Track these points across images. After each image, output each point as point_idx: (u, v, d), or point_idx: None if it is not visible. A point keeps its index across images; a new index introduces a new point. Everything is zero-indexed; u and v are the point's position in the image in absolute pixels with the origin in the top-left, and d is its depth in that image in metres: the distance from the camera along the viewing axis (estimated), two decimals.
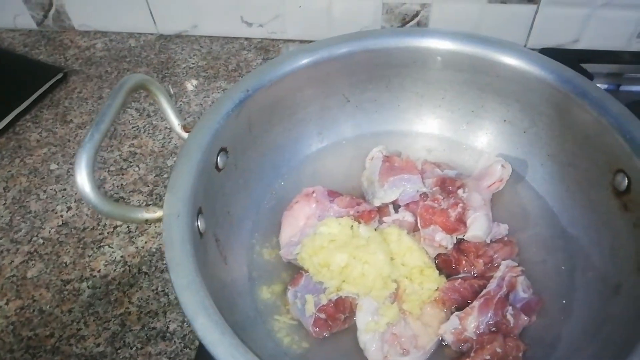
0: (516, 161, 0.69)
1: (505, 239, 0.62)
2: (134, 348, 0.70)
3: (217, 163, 0.60)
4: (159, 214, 0.52)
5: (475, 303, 0.56)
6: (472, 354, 0.53)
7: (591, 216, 0.62)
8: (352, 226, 0.61)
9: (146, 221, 0.52)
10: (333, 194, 0.65)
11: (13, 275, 0.75)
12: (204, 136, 0.58)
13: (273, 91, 0.66)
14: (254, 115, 0.65)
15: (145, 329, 0.72)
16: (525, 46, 0.90)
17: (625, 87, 0.90)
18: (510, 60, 0.64)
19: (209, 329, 0.44)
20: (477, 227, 0.59)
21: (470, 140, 0.73)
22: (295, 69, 0.66)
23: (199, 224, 0.54)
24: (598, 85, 0.84)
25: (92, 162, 0.48)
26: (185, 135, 0.59)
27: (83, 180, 0.48)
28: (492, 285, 0.57)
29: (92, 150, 0.49)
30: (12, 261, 0.77)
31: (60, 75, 1.04)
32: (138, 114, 0.99)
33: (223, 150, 0.61)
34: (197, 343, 0.67)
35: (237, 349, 0.43)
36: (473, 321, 0.55)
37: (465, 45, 0.65)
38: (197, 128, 0.59)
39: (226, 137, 0.61)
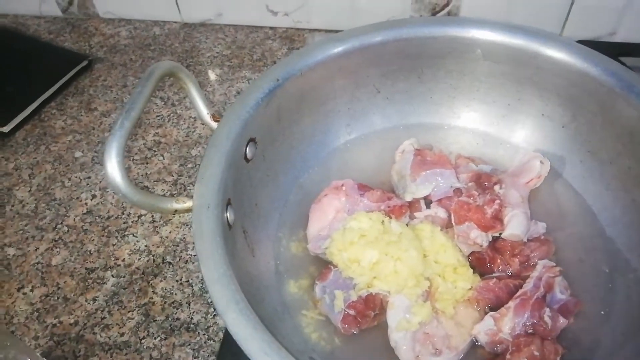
0: (554, 157, 0.67)
1: (542, 237, 0.60)
2: (158, 338, 0.69)
3: (245, 154, 0.59)
4: (188, 204, 0.51)
5: (511, 303, 0.54)
6: (508, 356, 0.51)
7: (633, 215, 0.59)
8: (383, 221, 0.59)
9: (175, 211, 0.51)
10: (363, 188, 0.63)
11: (38, 262, 0.75)
12: (233, 126, 0.56)
13: (303, 81, 0.64)
14: (283, 105, 0.64)
15: (169, 319, 0.71)
16: (563, 37, 0.86)
17: None
18: (553, 52, 0.61)
19: (240, 324, 0.43)
20: (516, 226, 0.57)
21: (505, 135, 0.71)
22: (326, 58, 0.64)
23: (228, 215, 0.53)
24: None
25: (122, 151, 0.47)
26: (214, 124, 0.58)
27: (113, 169, 0.47)
28: (528, 285, 0.55)
29: (123, 138, 0.48)
30: (37, 248, 0.77)
31: (85, 63, 1.03)
32: (162, 102, 0.98)
33: (252, 140, 0.60)
34: (221, 335, 0.66)
35: (270, 345, 0.41)
36: (509, 322, 0.53)
37: (506, 35, 0.62)
38: (226, 117, 0.57)
39: (255, 127, 0.60)
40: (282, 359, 0.41)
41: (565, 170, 0.66)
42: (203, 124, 0.90)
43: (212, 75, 1.02)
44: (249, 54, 1.05)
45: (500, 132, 0.71)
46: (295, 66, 0.63)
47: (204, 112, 0.59)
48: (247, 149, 0.59)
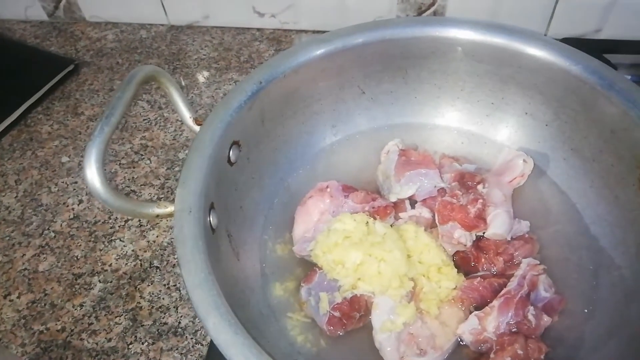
0: (537, 155, 0.67)
1: (526, 236, 0.60)
2: (146, 343, 0.69)
3: (229, 157, 0.59)
4: (170, 209, 0.51)
5: (495, 302, 0.54)
6: (492, 355, 0.51)
7: (617, 212, 0.59)
8: (367, 222, 0.59)
9: (157, 216, 0.51)
10: (348, 189, 0.63)
11: (25, 269, 0.75)
12: (215, 129, 0.56)
13: (286, 83, 0.64)
14: (266, 108, 0.63)
15: (157, 324, 0.71)
16: (545, 36, 0.87)
17: None
18: (534, 51, 0.61)
19: (221, 329, 0.42)
20: (498, 225, 0.57)
21: (490, 134, 0.71)
22: (309, 60, 0.64)
23: (211, 219, 0.53)
24: None
25: (101, 156, 0.47)
26: (196, 128, 0.58)
27: (93, 174, 0.47)
28: (512, 284, 0.55)
29: (102, 144, 0.48)
30: (24, 254, 0.76)
31: (71, 67, 1.03)
32: (149, 106, 0.98)
33: (235, 143, 0.60)
34: (209, 339, 0.66)
35: (250, 349, 0.41)
36: (493, 321, 0.53)
37: (487, 35, 0.62)
38: (209, 121, 0.57)
39: (238, 130, 0.60)
40: None
41: (549, 168, 0.67)
42: None
43: (199, 78, 1.02)
44: (236, 55, 1.05)
45: (485, 131, 0.71)
46: (278, 68, 0.63)
47: (187, 115, 0.59)
48: (231, 152, 0.59)
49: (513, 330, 0.53)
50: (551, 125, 0.66)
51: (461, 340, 0.55)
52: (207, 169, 0.54)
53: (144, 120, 0.95)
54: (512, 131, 0.70)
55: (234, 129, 0.59)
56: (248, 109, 0.60)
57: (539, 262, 0.58)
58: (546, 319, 0.54)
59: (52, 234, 0.79)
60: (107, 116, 0.50)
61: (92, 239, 0.79)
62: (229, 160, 0.59)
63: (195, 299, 0.44)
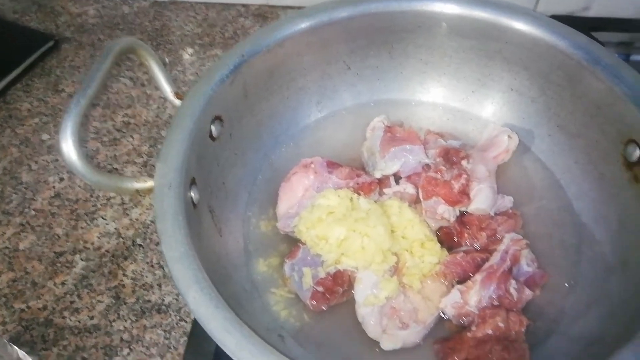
0: (523, 132, 0.67)
1: (510, 211, 0.60)
2: (129, 321, 0.68)
3: (211, 132, 0.58)
4: (150, 184, 0.50)
5: (478, 277, 0.54)
6: (473, 328, 0.51)
7: (600, 189, 0.59)
8: (351, 198, 0.59)
9: (137, 191, 0.50)
10: (332, 165, 0.62)
11: (5, 247, 0.73)
12: (197, 103, 0.55)
13: (270, 57, 0.63)
14: (250, 82, 0.62)
15: (140, 301, 0.70)
16: (531, 11, 0.86)
17: (636, 57, 0.87)
18: (520, 26, 0.60)
19: (201, 303, 0.42)
20: (481, 200, 0.57)
21: (475, 110, 0.71)
22: (293, 33, 0.63)
23: (192, 194, 0.52)
24: None
25: (78, 130, 0.46)
26: (178, 102, 0.57)
27: (69, 148, 0.45)
28: (495, 258, 0.55)
29: (78, 117, 0.46)
30: (4, 233, 0.75)
31: (51, 43, 1.00)
32: (132, 83, 0.95)
33: (217, 118, 0.59)
34: (193, 316, 0.66)
35: (231, 323, 0.41)
36: (475, 295, 0.53)
37: (472, 9, 0.61)
38: (190, 95, 0.56)
39: (220, 105, 0.59)
40: (244, 336, 0.40)
41: (534, 145, 0.67)
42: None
43: (183, 55, 1.00)
44: (220, 32, 1.03)
45: (470, 107, 0.71)
46: (262, 42, 0.61)
47: (168, 89, 0.57)
48: (213, 127, 0.58)
49: (495, 303, 0.53)
50: (537, 101, 0.65)
51: (444, 314, 0.55)
52: (188, 144, 0.53)
53: (126, 97, 0.93)
54: (498, 107, 0.69)
55: (215, 104, 0.57)
56: (230, 83, 0.59)
57: (521, 237, 0.58)
58: (528, 293, 0.54)
59: (33, 212, 0.78)
60: (83, 89, 0.48)
61: (74, 217, 0.78)
62: (210, 136, 0.58)
63: (175, 273, 0.44)
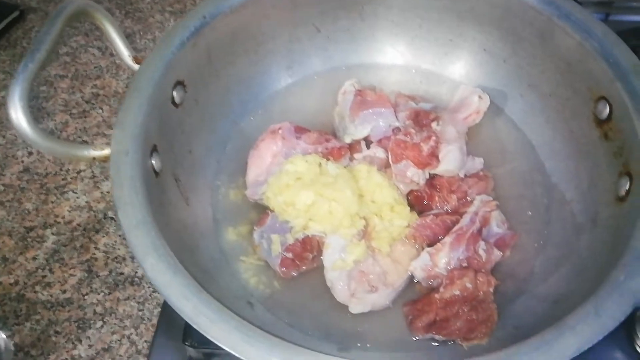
0: (495, 92, 0.66)
1: (481, 173, 0.60)
2: (102, 294, 0.68)
3: (173, 97, 0.56)
4: (107, 151, 0.49)
5: (447, 239, 0.54)
6: (441, 289, 0.51)
7: (571, 147, 0.59)
8: (320, 163, 0.57)
9: (94, 159, 0.49)
10: (300, 131, 0.61)
11: None
12: (156, 68, 0.53)
13: (234, 18, 0.60)
14: (214, 45, 0.60)
15: (113, 274, 0.70)
16: None
17: (614, 17, 0.85)
18: None
19: (159, 269, 0.41)
20: (449, 161, 0.56)
21: (448, 72, 0.69)
22: None
23: (153, 162, 0.51)
24: None
25: (26, 95, 0.44)
26: (136, 67, 0.55)
27: (18, 114, 0.44)
28: (464, 220, 0.55)
29: (26, 82, 0.44)
30: None
31: (16, 14, 0.96)
32: (100, 52, 0.93)
33: (179, 83, 0.57)
34: None
35: (189, 289, 0.40)
36: (444, 257, 0.53)
37: None
38: (149, 59, 0.54)
39: (182, 69, 0.57)
40: (202, 302, 0.40)
41: (507, 106, 0.66)
42: None
43: (152, 23, 0.97)
44: None
45: (443, 69, 0.69)
46: (224, 2, 0.59)
47: (125, 53, 0.55)
48: (175, 92, 0.56)
49: (463, 265, 0.53)
50: (509, 61, 0.64)
51: (413, 277, 0.55)
52: (147, 110, 0.51)
53: (95, 67, 0.91)
54: (471, 69, 0.68)
55: (177, 68, 0.56)
56: (192, 46, 0.57)
57: (492, 199, 0.58)
58: (497, 254, 0.54)
59: (2, 187, 0.76)
60: (31, 53, 0.46)
61: (44, 192, 0.77)
62: (173, 102, 0.56)
63: (132, 241, 0.43)
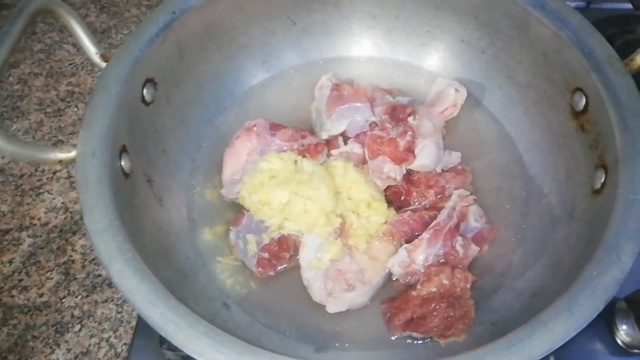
0: (474, 85, 0.65)
1: (459, 167, 0.59)
2: (79, 296, 0.67)
3: (143, 95, 0.55)
4: (73, 153, 0.47)
5: (424, 235, 0.53)
6: (418, 286, 0.51)
7: (549, 139, 0.58)
8: (295, 161, 0.56)
9: (60, 161, 0.47)
10: (275, 127, 0.60)
11: None
12: (123, 65, 0.52)
13: (205, 13, 0.59)
14: (185, 41, 0.59)
15: (91, 276, 0.69)
16: None
17: (596, 5, 0.84)
18: None
19: (125, 275, 0.40)
20: (425, 156, 0.55)
21: (427, 64, 0.68)
22: None
23: (122, 163, 0.50)
24: (567, 2, 0.79)
25: None
26: (104, 65, 0.53)
27: None
28: (442, 216, 0.54)
29: None
30: None
31: None
32: (75, 49, 0.91)
33: (150, 81, 0.55)
34: None
35: (157, 294, 0.39)
36: (422, 253, 0.52)
37: None
38: (116, 57, 0.52)
39: (152, 67, 0.55)
40: (170, 309, 0.39)
41: (485, 98, 0.65)
42: None
43: (128, 17, 0.95)
44: None
45: (422, 61, 0.68)
46: None
47: (92, 51, 0.54)
48: (145, 90, 0.55)
49: (441, 261, 0.52)
50: (487, 52, 0.63)
51: (391, 274, 0.54)
52: (115, 109, 0.50)
53: (70, 64, 0.89)
54: (449, 60, 0.67)
55: (146, 65, 0.54)
56: (161, 43, 0.55)
57: (469, 193, 0.57)
58: (474, 249, 0.53)
59: None
60: None
61: (19, 193, 0.75)
62: (143, 100, 0.55)
63: (98, 246, 0.41)
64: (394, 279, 0.55)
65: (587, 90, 0.51)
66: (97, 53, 0.54)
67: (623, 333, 0.54)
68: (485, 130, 0.63)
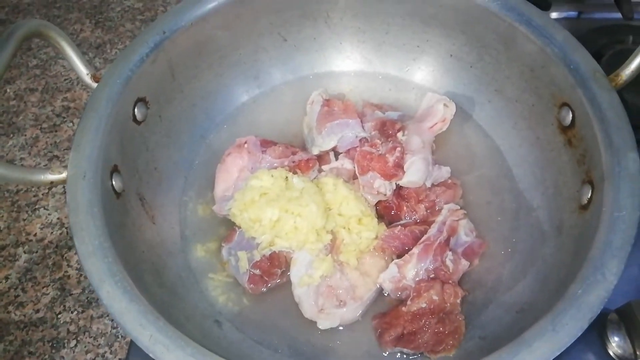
0: (464, 99, 0.65)
1: (449, 181, 0.59)
2: (75, 312, 0.67)
3: (134, 115, 0.55)
4: (64, 175, 0.48)
5: (415, 250, 0.53)
6: (408, 302, 0.51)
7: (537, 154, 0.59)
8: (286, 177, 0.57)
9: (51, 183, 0.48)
10: (266, 144, 0.60)
11: None
12: (113, 86, 0.52)
13: (196, 32, 0.60)
14: (175, 60, 0.59)
15: (86, 292, 0.69)
16: None
17: (586, 15, 0.85)
18: None
19: (115, 297, 0.41)
20: (413, 172, 0.55)
21: (417, 78, 0.69)
22: (218, 6, 0.60)
23: (113, 183, 0.50)
24: (556, 12, 0.80)
25: None
26: (95, 85, 0.54)
27: None
28: (432, 230, 0.54)
29: None
30: None
31: None
32: (70, 65, 0.91)
33: (141, 100, 0.56)
34: None
35: (146, 316, 0.40)
36: (412, 269, 0.53)
37: None
38: (106, 77, 0.53)
39: (143, 86, 0.56)
40: (159, 330, 0.39)
41: (475, 112, 0.65)
42: None
43: (123, 32, 0.95)
44: (162, 5, 0.99)
45: (412, 76, 0.69)
46: (184, 17, 0.58)
47: (84, 72, 0.54)
48: (136, 109, 0.56)
49: (431, 276, 0.53)
50: (475, 66, 0.64)
51: (382, 289, 0.54)
52: (106, 130, 0.50)
53: (65, 80, 0.90)
54: (439, 75, 0.67)
55: (137, 85, 0.55)
56: (152, 62, 0.56)
57: (460, 208, 0.57)
58: (464, 264, 0.54)
59: None
60: None
61: (15, 209, 0.76)
62: (134, 119, 0.56)
63: (88, 268, 0.42)
64: (385, 294, 0.55)
65: (573, 105, 0.52)
66: (88, 74, 0.54)
67: (615, 345, 0.54)
68: (475, 144, 0.64)
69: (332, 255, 0.54)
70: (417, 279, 0.53)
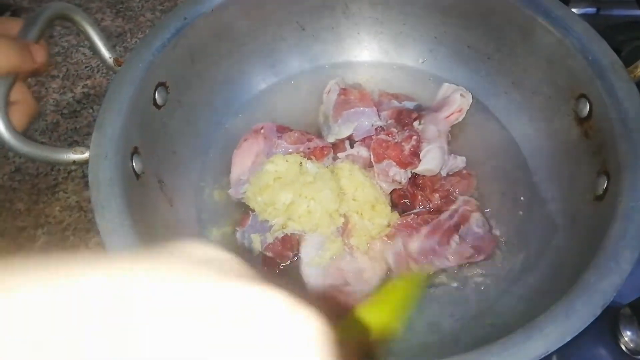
0: (480, 89, 0.65)
1: (464, 171, 0.60)
2: None
3: (155, 99, 0.56)
4: (87, 155, 0.49)
5: (423, 230, 0.54)
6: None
7: (553, 145, 0.59)
8: (301, 163, 0.58)
9: (74, 162, 0.49)
10: (282, 130, 0.61)
11: None
12: (136, 70, 0.54)
13: (216, 19, 0.60)
14: (196, 47, 0.60)
15: None
16: None
17: (605, 11, 0.84)
18: None
19: None
20: (429, 160, 0.56)
21: (433, 69, 0.69)
22: None
23: (134, 164, 0.51)
24: (575, 8, 0.79)
25: (3, 99, 0.44)
26: (118, 69, 0.55)
27: None
28: (444, 215, 0.55)
29: (3, 87, 0.45)
30: None
31: (8, 14, 0.97)
32: (91, 52, 0.93)
33: (161, 85, 0.57)
34: None
35: None
36: (416, 243, 0.53)
37: None
38: (129, 61, 0.54)
39: (164, 71, 0.57)
40: None
41: (491, 103, 0.65)
42: None
43: (143, 21, 0.97)
44: None
45: (429, 67, 0.69)
46: (205, 3, 0.59)
47: (106, 56, 0.55)
48: (156, 94, 0.57)
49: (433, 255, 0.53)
50: (493, 58, 0.64)
51: (389, 273, 0.55)
52: (128, 112, 0.51)
53: (86, 67, 0.91)
54: (455, 66, 0.67)
55: (158, 70, 0.56)
56: (173, 48, 0.57)
57: (474, 199, 0.58)
58: (470, 251, 0.54)
59: None
60: None
61: (35, 192, 0.77)
62: (155, 103, 0.57)
63: (109, 246, 0.43)
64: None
65: (591, 96, 0.52)
66: (110, 57, 0.55)
67: (627, 339, 0.54)
68: (491, 135, 0.64)
69: (343, 239, 0.54)
70: (420, 255, 0.53)
